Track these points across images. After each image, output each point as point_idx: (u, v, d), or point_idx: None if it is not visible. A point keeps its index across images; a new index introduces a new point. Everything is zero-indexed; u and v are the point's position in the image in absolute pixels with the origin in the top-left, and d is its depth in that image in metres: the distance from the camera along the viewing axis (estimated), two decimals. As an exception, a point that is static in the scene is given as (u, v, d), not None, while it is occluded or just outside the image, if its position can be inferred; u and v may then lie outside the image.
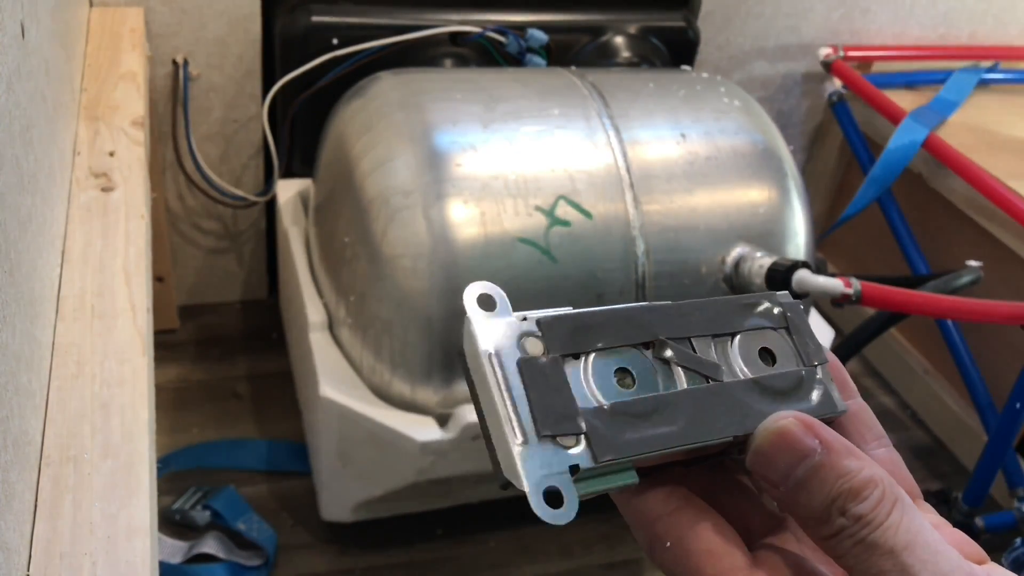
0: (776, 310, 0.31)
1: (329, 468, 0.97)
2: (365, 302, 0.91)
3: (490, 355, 0.26)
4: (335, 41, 1.12)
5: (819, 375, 0.30)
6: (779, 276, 0.89)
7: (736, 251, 0.94)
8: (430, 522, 1.10)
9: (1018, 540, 1.04)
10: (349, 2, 1.15)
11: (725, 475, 0.30)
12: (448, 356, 0.88)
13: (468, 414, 0.89)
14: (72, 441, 0.53)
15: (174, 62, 1.15)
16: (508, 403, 0.26)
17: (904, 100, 1.35)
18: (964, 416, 1.33)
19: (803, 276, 0.88)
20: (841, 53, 1.42)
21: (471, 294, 0.27)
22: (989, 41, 1.54)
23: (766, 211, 0.97)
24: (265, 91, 1.19)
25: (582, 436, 0.26)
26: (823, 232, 1.50)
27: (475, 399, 0.27)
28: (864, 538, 0.24)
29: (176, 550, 1.02)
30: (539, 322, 0.27)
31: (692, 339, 0.29)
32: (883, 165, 1.29)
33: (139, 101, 0.89)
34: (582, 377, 0.27)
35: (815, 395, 0.30)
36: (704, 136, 0.97)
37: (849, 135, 1.42)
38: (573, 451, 0.26)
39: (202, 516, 1.05)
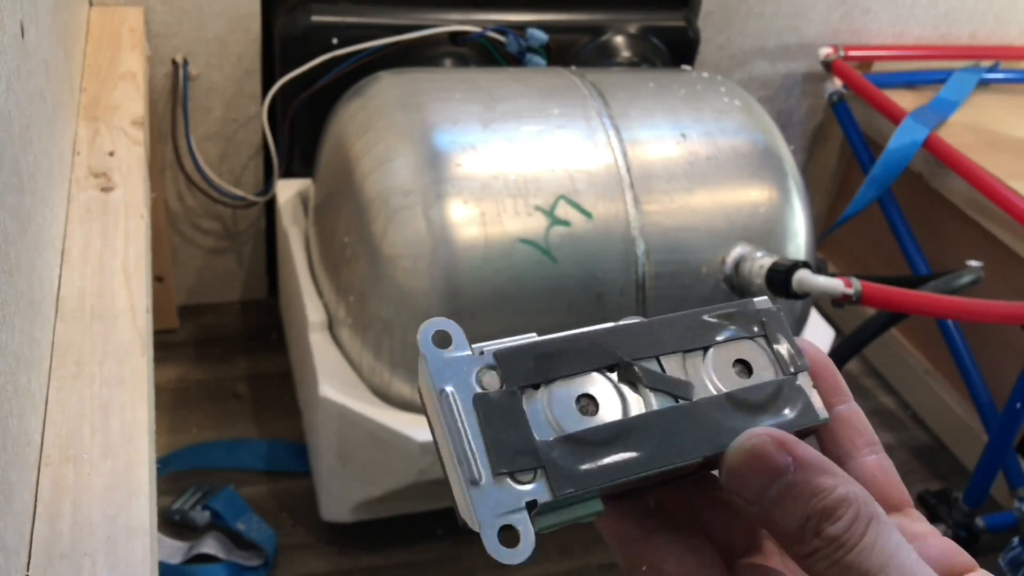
0: (752, 318, 0.30)
1: (329, 468, 0.97)
2: (365, 302, 0.91)
3: (444, 393, 0.26)
4: (335, 41, 1.12)
5: (798, 382, 0.29)
6: (779, 276, 0.89)
7: (736, 251, 0.94)
8: (430, 522, 1.10)
9: (1015, 540, 1.04)
10: (349, 2, 1.15)
11: (706, 490, 0.30)
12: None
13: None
14: (72, 441, 0.53)
15: (174, 62, 1.15)
16: (462, 442, 0.25)
17: (904, 100, 1.35)
18: (964, 416, 1.33)
19: (803, 276, 0.88)
20: (841, 53, 1.42)
21: (426, 332, 0.26)
22: (989, 41, 1.54)
23: (766, 211, 0.97)
24: (265, 91, 1.19)
25: (539, 470, 0.25)
26: (823, 232, 1.50)
27: (433, 438, 0.26)
28: (839, 560, 0.24)
29: (176, 550, 1.02)
30: (496, 355, 0.26)
31: (661, 357, 0.28)
32: (883, 165, 1.29)
33: (139, 101, 0.89)
34: (542, 408, 0.26)
35: (793, 406, 0.29)
36: (704, 136, 0.97)
37: (849, 135, 1.42)
38: (530, 486, 0.25)
39: (202, 516, 1.05)
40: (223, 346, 1.31)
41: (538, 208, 0.88)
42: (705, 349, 0.29)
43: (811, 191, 1.05)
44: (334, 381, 0.93)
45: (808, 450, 0.26)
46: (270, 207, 1.30)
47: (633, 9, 1.26)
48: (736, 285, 0.93)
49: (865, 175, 1.32)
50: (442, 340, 0.26)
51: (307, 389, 1.03)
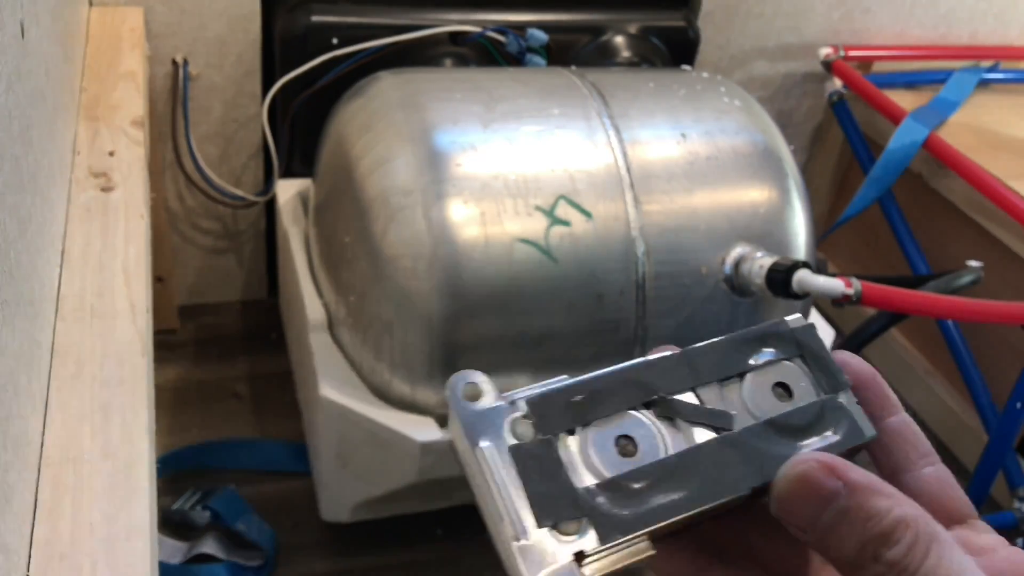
0: (786, 337, 0.29)
1: (329, 468, 0.97)
2: (365, 302, 0.91)
3: (479, 449, 0.25)
4: (335, 41, 1.12)
5: (841, 401, 0.28)
6: (779, 276, 0.89)
7: (736, 251, 0.94)
8: (430, 522, 1.10)
9: (1020, 541, 1.04)
10: (349, 2, 1.15)
11: (758, 520, 0.29)
12: (448, 356, 0.88)
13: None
14: (72, 442, 0.53)
15: (174, 62, 1.15)
16: (502, 498, 0.25)
17: (904, 100, 1.35)
18: (964, 416, 1.33)
19: (803, 276, 0.88)
20: (841, 53, 1.41)
21: (455, 387, 0.26)
22: (989, 41, 1.54)
23: (766, 211, 0.97)
24: (265, 91, 1.19)
25: (584, 519, 0.25)
26: (823, 232, 1.50)
27: (472, 492, 0.26)
28: None
29: (176, 550, 1.02)
30: (528, 403, 0.26)
31: (698, 389, 0.28)
32: (883, 165, 1.29)
33: (139, 101, 0.89)
34: (579, 453, 0.26)
35: (838, 426, 0.28)
36: (704, 136, 0.97)
37: (849, 135, 1.42)
38: (575, 537, 0.24)
39: (202, 516, 1.05)
40: (223, 346, 1.31)
41: (538, 208, 0.88)
42: (742, 375, 0.28)
43: (811, 191, 1.05)
44: (334, 381, 0.93)
45: (859, 472, 0.25)
46: (270, 207, 1.30)
47: (633, 9, 1.26)
48: (736, 285, 0.93)
49: (865, 175, 1.32)
50: (472, 393, 0.26)
51: (307, 389, 1.03)
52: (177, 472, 1.11)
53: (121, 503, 0.50)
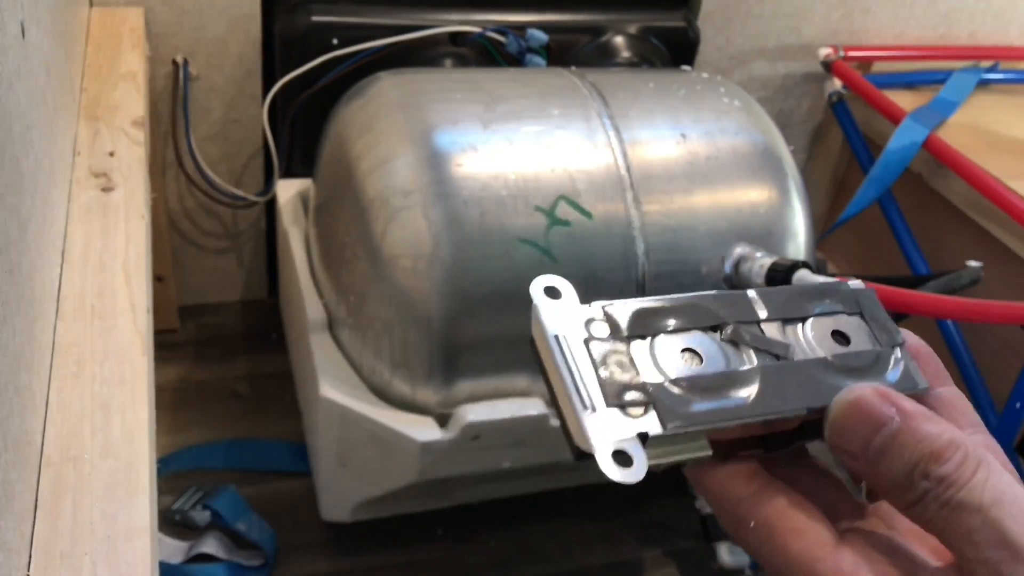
0: (847, 296, 0.31)
1: (329, 468, 0.97)
2: (365, 302, 0.91)
3: (557, 337, 0.27)
4: (335, 41, 1.12)
5: (898, 355, 0.29)
6: (779, 276, 0.89)
7: (736, 251, 0.94)
8: (430, 522, 1.10)
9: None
10: (349, 2, 1.15)
11: (808, 465, 0.30)
12: (448, 356, 0.88)
13: (468, 414, 0.89)
14: (72, 441, 0.53)
15: (174, 62, 1.15)
16: (576, 378, 0.26)
17: (904, 100, 1.35)
18: (964, 416, 1.33)
19: (803, 276, 0.88)
20: (841, 53, 1.42)
21: (538, 285, 0.28)
22: (989, 41, 1.54)
23: (766, 211, 0.97)
24: (265, 91, 1.19)
25: (650, 406, 0.26)
26: (823, 232, 1.50)
27: (547, 383, 0.28)
28: (949, 499, 0.24)
29: (176, 550, 1.02)
30: (604, 308, 0.28)
31: (761, 324, 0.29)
32: (883, 165, 1.29)
33: (139, 101, 0.89)
34: (648, 355, 0.27)
35: (893, 371, 0.29)
36: (704, 136, 0.97)
37: (849, 135, 1.42)
38: (640, 420, 0.26)
39: (202, 516, 1.05)
40: (223, 346, 1.31)
41: (538, 208, 0.88)
42: (803, 320, 0.30)
43: (811, 191, 1.05)
44: (334, 381, 0.93)
45: (911, 402, 0.26)
46: (270, 207, 1.30)
47: (633, 9, 1.26)
48: (736, 285, 0.93)
49: (865, 175, 1.32)
50: (552, 293, 0.28)
51: (307, 389, 1.03)
52: (177, 472, 1.11)
53: (121, 503, 0.50)
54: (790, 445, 0.29)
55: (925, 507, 0.24)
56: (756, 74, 1.45)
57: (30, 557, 0.46)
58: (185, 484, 1.09)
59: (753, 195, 0.97)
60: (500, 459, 0.95)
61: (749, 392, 0.27)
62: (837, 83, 1.43)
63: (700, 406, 0.26)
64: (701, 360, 0.28)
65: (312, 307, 0.99)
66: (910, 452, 0.24)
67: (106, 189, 0.75)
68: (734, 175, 0.96)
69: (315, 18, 1.12)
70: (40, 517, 0.49)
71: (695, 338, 0.28)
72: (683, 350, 0.28)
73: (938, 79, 1.45)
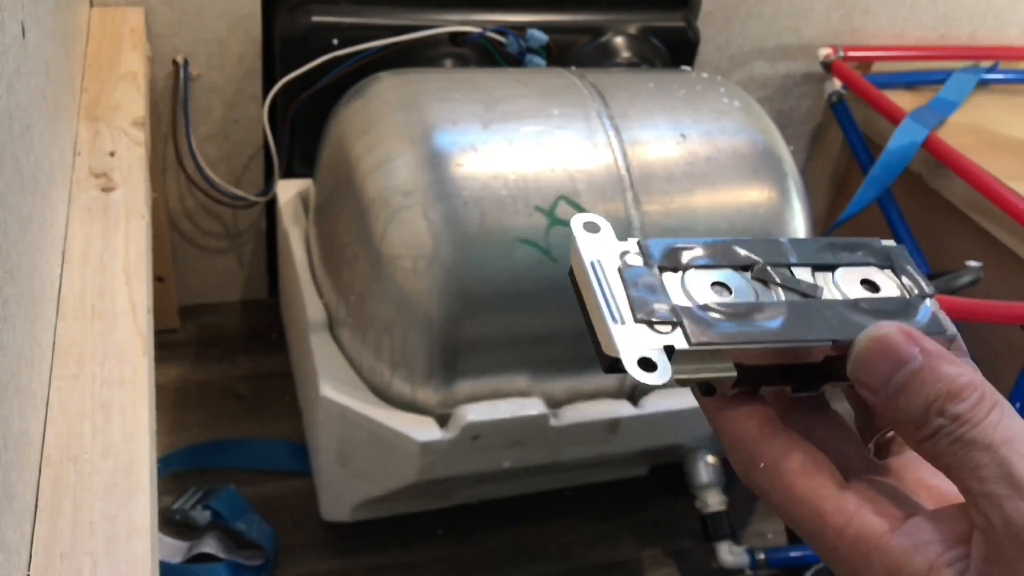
0: (879, 251, 0.31)
1: (329, 468, 0.97)
2: (365, 302, 0.91)
3: (592, 263, 0.29)
4: (335, 41, 1.12)
5: (927, 304, 0.30)
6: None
7: (736, 251, 0.94)
8: (430, 522, 1.11)
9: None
10: (349, 2, 1.15)
11: (825, 417, 0.31)
12: (448, 356, 0.88)
13: (468, 414, 0.89)
14: (72, 441, 0.53)
15: (174, 62, 1.15)
16: (609, 296, 0.28)
17: (904, 100, 1.35)
18: (964, 416, 1.33)
19: (803, 276, 0.88)
20: (841, 53, 1.42)
21: (578, 221, 0.30)
22: (989, 41, 1.54)
23: (766, 211, 0.97)
24: (265, 91, 1.19)
25: (677, 325, 0.27)
26: (823, 232, 1.50)
27: (582, 309, 0.29)
28: (962, 436, 0.24)
29: (176, 550, 1.02)
30: (639, 242, 0.30)
31: (792, 267, 0.30)
32: (883, 165, 1.29)
33: (139, 101, 0.89)
34: (679, 284, 0.29)
35: (921, 317, 0.30)
36: (704, 136, 0.97)
37: (849, 135, 1.42)
38: (668, 335, 0.27)
39: (202, 516, 1.05)
40: (223, 346, 1.31)
41: (538, 208, 0.88)
42: (833, 268, 0.31)
43: (811, 191, 1.05)
44: (334, 381, 0.93)
45: (934, 343, 0.27)
46: (270, 207, 1.30)
47: (633, 9, 1.26)
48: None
49: (865, 175, 1.32)
50: (591, 227, 0.30)
51: (307, 389, 1.03)
52: (177, 472, 1.11)
53: (122, 502, 0.50)
54: (813, 388, 0.30)
55: (936, 442, 0.25)
56: (756, 74, 1.45)
57: (30, 557, 0.46)
58: (185, 484, 1.09)
59: (753, 195, 0.97)
60: (500, 459, 0.95)
61: (776, 322, 0.28)
62: (837, 83, 1.43)
63: (726, 327, 0.28)
64: (730, 293, 0.29)
65: (312, 307, 0.99)
66: (928, 390, 0.25)
67: (106, 189, 0.75)
68: (734, 175, 0.96)
69: (315, 18, 1.12)
70: (40, 517, 0.49)
71: (725, 274, 0.29)
72: (713, 283, 0.29)
73: (938, 79, 1.45)
